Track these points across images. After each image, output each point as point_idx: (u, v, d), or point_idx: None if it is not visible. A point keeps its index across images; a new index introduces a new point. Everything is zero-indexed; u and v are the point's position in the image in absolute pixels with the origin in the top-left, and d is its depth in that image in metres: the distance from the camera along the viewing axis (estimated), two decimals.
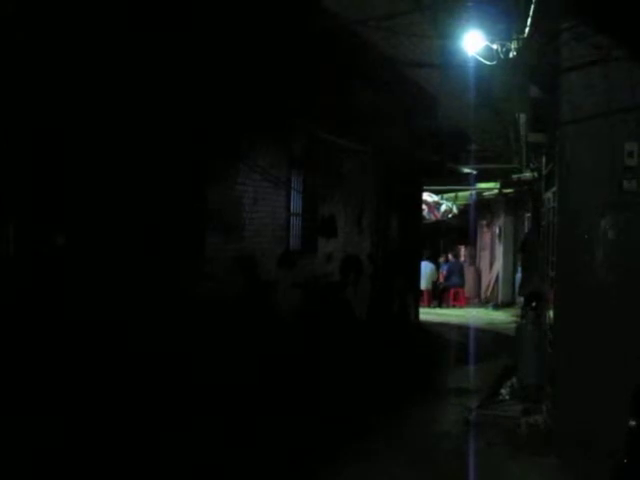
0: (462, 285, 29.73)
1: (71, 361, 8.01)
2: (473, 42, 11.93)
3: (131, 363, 8.89)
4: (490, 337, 19.48)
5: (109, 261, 8.83)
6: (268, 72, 11.82)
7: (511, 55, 11.42)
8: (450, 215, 29.00)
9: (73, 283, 8.23)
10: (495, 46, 11.55)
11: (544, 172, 12.19)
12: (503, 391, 12.50)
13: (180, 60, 9.90)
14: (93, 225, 8.67)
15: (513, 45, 11.28)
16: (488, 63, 11.83)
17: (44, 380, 7.67)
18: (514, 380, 12.46)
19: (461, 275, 29.62)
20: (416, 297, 22.35)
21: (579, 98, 9.37)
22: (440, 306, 28.29)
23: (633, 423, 5.26)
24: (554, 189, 10.27)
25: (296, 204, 14.25)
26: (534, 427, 10.11)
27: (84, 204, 8.54)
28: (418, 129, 19.33)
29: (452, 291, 29.24)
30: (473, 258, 33.26)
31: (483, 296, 30.20)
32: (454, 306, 28.47)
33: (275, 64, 12.04)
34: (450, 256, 30.91)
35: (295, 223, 14.24)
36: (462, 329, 21.47)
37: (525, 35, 10.79)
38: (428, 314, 24.03)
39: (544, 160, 12.28)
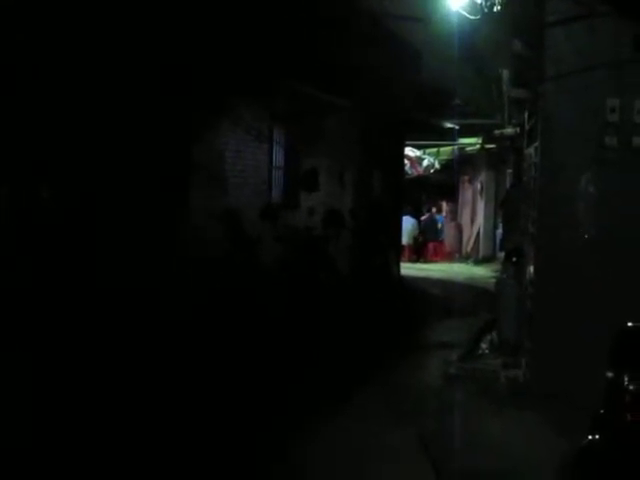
0: (438, 239, 29.88)
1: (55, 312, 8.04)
2: None
3: (114, 315, 8.92)
4: (470, 292, 19.61)
5: (92, 215, 8.82)
6: (251, 27, 11.72)
7: (495, 9, 11.36)
8: (432, 170, 28.97)
9: (57, 236, 8.23)
10: (479, 0, 11.48)
11: (526, 128, 12.17)
12: (483, 345, 12.58)
13: (166, 15, 9.82)
14: (77, 180, 8.65)
15: None
16: (472, 17, 11.76)
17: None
18: (494, 334, 12.54)
19: (435, 229, 29.75)
20: (398, 252, 22.41)
21: (562, 53, 9.36)
22: (419, 260, 28.39)
23: (610, 374, 5.33)
24: (536, 145, 10.29)
25: (278, 158, 14.23)
26: (513, 381, 10.21)
27: (69, 160, 8.51)
28: (401, 84, 19.24)
29: (430, 245, 29.35)
30: (455, 213, 33.30)
31: (464, 251, 30.29)
32: (432, 261, 28.59)
33: (257, 19, 11.93)
34: (427, 211, 30.97)
35: (277, 177, 14.23)
36: (443, 284, 21.61)
37: None
38: (409, 269, 24.13)
39: (526, 116, 12.25)
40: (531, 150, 11.17)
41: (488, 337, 12.85)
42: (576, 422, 5.87)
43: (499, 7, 11.29)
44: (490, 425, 8.65)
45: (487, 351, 12.23)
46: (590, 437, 5.10)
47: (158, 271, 9.81)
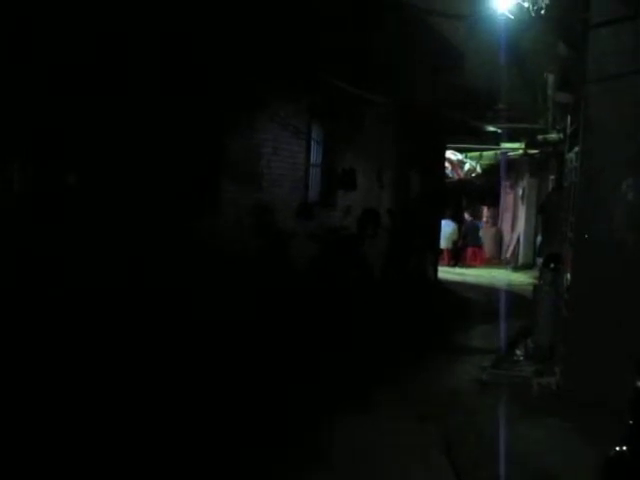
0: (478, 244, 29.61)
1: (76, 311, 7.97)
2: None
3: (144, 310, 8.86)
4: (508, 298, 19.33)
5: (124, 209, 8.75)
6: (290, 21, 11.64)
7: (542, 12, 11.20)
8: (474, 174, 28.75)
9: (84, 226, 8.16)
10: (526, 3, 11.33)
11: (568, 132, 11.99)
12: (518, 352, 12.42)
13: (202, 8, 9.77)
14: (109, 170, 8.59)
15: (544, 1, 11.06)
16: (518, 20, 11.60)
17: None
18: (529, 341, 12.37)
19: (477, 234, 29.50)
20: (435, 255, 22.24)
21: (606, 55, 9.18)
22: (457, 265, 28.17)
23: (639, 384, 5.17)
24: (577, 149, 10.11)
25: (316, 155, 14.14)
26: (546, 388, 10.05)
27: (100, 148, 8.45)
28: (443, 85, 19.08)
29: (470, 250, 29.12)
30: (495, 219, 33.04)
31: (503, 257, 30.05)
32: (471, 266, 28.36)
33: (297, 14, 11.85)
34: (466, 215, 30.72)
35: (314, 174, 14.14)
36: (480, 289, 21.40)
37: None
38: (447, 273, 23.98)
39: (569, 120, 12.07)
40: (572, 154, 10.99)
41: (523, 343, 12.68)
42: (609, 432, 5.70)
43: (545, 10, 11.13)
44: (518, 432, 8.47)
45: (522, 358, 12.06)
46: (617, 448, 4.93)
47: (187, 266, 9.74)
